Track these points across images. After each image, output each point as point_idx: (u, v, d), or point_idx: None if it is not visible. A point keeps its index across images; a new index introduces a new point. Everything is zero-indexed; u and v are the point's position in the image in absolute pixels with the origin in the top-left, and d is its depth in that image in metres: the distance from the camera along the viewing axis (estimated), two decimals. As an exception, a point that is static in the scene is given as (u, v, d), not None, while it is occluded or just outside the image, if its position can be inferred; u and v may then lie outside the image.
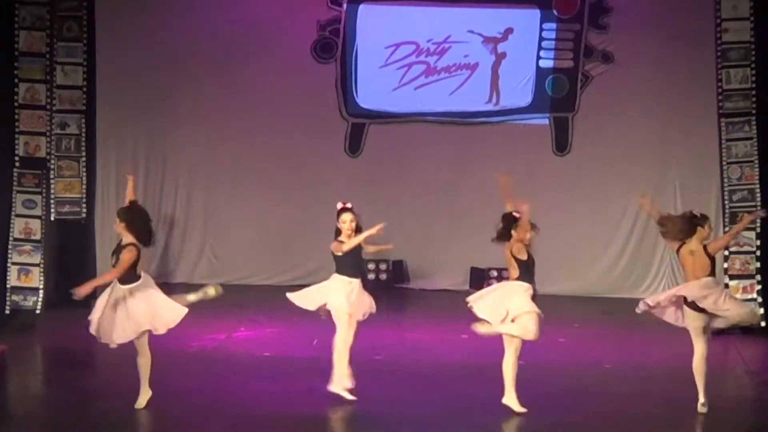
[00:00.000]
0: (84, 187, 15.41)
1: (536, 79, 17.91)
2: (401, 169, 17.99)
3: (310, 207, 17.70)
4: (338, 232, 10.89)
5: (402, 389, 11.43)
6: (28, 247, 14.68)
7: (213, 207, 18.14)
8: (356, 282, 10.91)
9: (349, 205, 10.94)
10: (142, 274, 10.40)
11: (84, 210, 15.44)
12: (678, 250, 10.73)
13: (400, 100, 18.12)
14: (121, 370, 11.73)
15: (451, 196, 17.99)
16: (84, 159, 15.39)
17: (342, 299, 10.80)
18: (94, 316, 10.48)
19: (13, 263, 14.64)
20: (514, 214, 10.59)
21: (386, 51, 18.06)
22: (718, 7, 14.99)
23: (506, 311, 10.40)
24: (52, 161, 15.08)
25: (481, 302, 10.58)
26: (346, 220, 10.83)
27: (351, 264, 10.90)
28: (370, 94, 18.14)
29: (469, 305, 10.59)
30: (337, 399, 10.76)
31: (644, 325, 15.07)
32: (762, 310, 14.74)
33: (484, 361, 11.38)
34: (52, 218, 15.13)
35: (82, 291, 10.09)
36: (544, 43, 17.87)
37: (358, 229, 10.84)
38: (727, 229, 15.13)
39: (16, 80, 14.72)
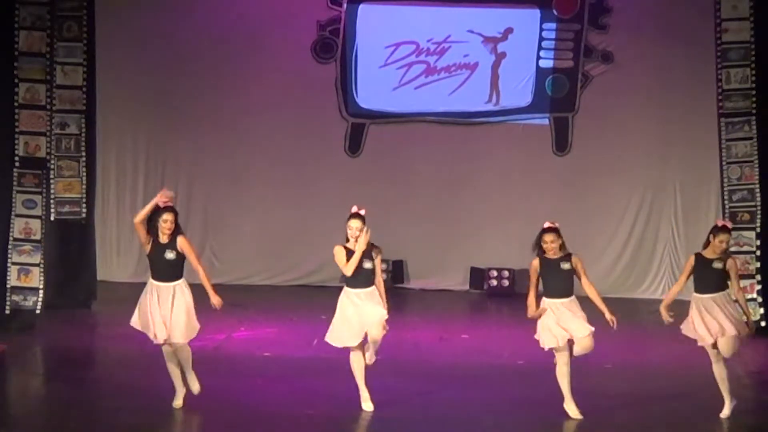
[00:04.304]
0: (84, 187, 15.39)
1: (536, 79, 17.90)
2: (401, 169, 17.98)
3: (310, 207, 17.69)
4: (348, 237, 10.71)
5: (401, 389, 11.43)
6: (28, 247, 14.66)
7: (213, 207, 18.14)
8: (361, 292, 10.75)
9: (361, 212, 10.66)
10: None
11: (84, 210, 15.42)
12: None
13: (400, 100, 18.11)
14: (122, 370, 11.75)
15: (451, 196, 17.98)
16: (84, 159, 15.37)
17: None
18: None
19: (13, 263, 14.62)
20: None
21: (386, 51, 18.06)
22: (718, 7, 14.97)
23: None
24: (52, 161, 15.06)
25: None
26: (353, 227, 10.59)
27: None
28: (370, 94, 18.13)
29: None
30: (337, 399, 10.74)
31: (644, 325, 15.08)
32: (762, 310, 14.74)
33: (483, 361, 11.39)
34: (52, 218, 15.11)
35: None
36: (544, 43, 17.86)
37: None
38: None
39: (16, 80, 14.69)
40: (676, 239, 17.54)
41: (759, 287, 14.81)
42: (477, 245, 17.75)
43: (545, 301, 10.62)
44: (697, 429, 10.52)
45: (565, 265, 10.60)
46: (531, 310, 10.63)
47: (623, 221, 17.81)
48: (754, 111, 14.92)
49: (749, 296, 14.69)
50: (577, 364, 11.28)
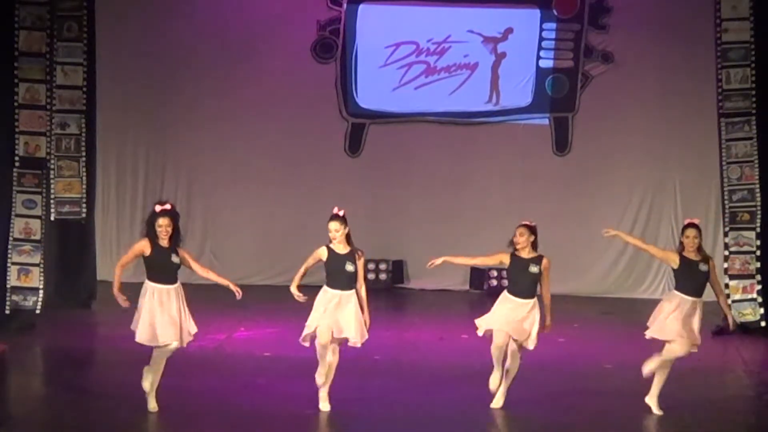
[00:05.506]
0: (84, 187, 15.39)
1: (536, 79, 17.92)
2: (401, 169, 17.99)
3: (310, 207, 17.66)
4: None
5: (401, 389, 11.43)
6: (28, 247, 14.66)
7: (213, 207, 18.15)
8: (339, 295, 10.47)
9: (340, 213, 10.53)
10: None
11: (84, 210, 15.42)
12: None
13: (400, 100, 18.12)
14: (122, 371, 11.73)
15: (451, 196, 17.99)
16: (84, 159, 15.38)
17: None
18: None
19: (13, 263, 14.62)
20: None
21: (386, 51, 18.07)
22: (718, 7, 14.99)
23: None
24: (52, 161, 15.07)
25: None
26: (331, 229, 10.47)
27: (333, 273, 10.51)
28: (370, 94, 18.14)
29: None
30: (337, 399, 10.72)
31: (644, 325, 15.07)
32: (762, 310, 14.74)
33: (484, 361, 11.37)
34: (52, 218, 15.11)
35: None
36: (544, 43, 17.87)
37: (348, 239, 10.48)
38: (726, 229, 15.14)
39: (16, 80, 14.69)
40: (676, 239, 17.47)
41: (759, 287, 14.81)
42: (477, 245, 17.69)
43: (505, 295, 10.69)
44: (697, 428, 10.52)
45: (534, 269, 10.63)
46: (448, 258, 11.19)
47: (623, 221, 17.80)
48: (754, 111, 14.94)
49: (749, 296, 14.70)
50: (576, 363, 11.31)
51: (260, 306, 15.65)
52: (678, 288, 10.66)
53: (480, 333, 10.71)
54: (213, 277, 10.51)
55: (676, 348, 10.56)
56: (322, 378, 10.51)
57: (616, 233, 11.29)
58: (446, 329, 14.79)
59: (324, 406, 10.52)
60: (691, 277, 10.59)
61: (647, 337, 10.76)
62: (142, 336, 10.32)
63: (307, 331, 10.51)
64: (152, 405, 10.39)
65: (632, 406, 10.88)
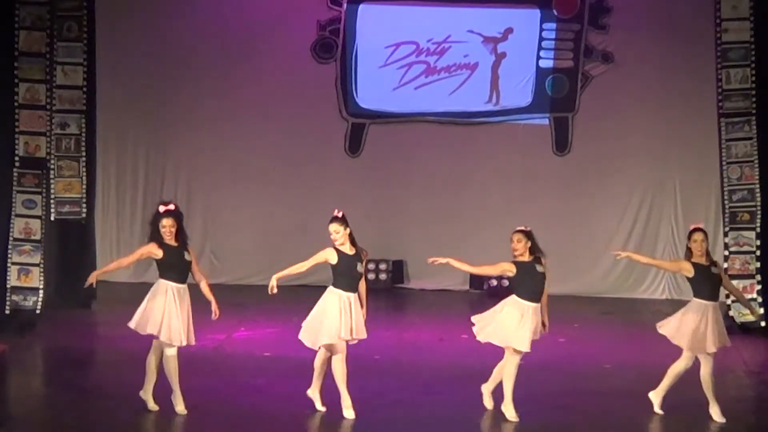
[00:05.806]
0: (84, 187, 15.40)
1: (536, 79, 17.92)
2: (401, 169, 17.99)
3: (309, 207, 17.69)
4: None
5: (401, 389, 11.44)
6: (28, 247, 14.67)
7: (213, 207, 18.15)
8: (352, 297, 10.36)
9: (339, 215, 10.45)
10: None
11: (84, 210, 15.43)
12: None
13: (400, 100, 18.13)
14: (122, 370, 11.74)
15: (451, 196, 17.99)
16: (84, 159, 15.38)
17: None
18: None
19: (13, 263, 14.63)
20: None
21: (386, 51, 18.07)
22: (718, 7, 15.00)
23: None
24: (52, 161, 15.07)
25: None
26: (331, 232, 10.38)
27: (345, 275, 10.40)
28: (370, 94, 18.14)
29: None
30: (337, 399, 10.73)
31: (644, 325, 15.08)
32: (762, 310, 14.74)
33: (483, 361, 11.38)
34: (52, 218, 15.12)
35: None
36: (544, 43, 17.88)
37: (352, 240, 10.42)
38: (726, 229, 15.14)
39: (16, 80, 14.70)
40: (676, 239, 17.54)
41: (759, 287, 14.81)
42: (477, 245, 17.74)
43: (518, 301, 10.48)
44: (697, 428, 10.52)
45: (540, 268, 10.56)
46: (452, 261, 10.96)
47: (623, 221, 17.82)
48: (754, 111, 14.94)
49: (749, 296, 14.71)
50: (576, 363, 11.29)
51: (260, 306, 15.66)
52: (698, 296, 10.58)
53: (511, 352, 10.55)
54: (203, 288, 10.48)
55: (711, 359, 10.59)
56: (317, 390, 10.55)
57: (627, 255, 11.22)
58: (446, 329, 14.79)
59: (320, 406, 10.57)
60: (708, 283, 10.55)
61: (683, 348, 10.62)
62: (165, 334, 10.24)
63: (326, 340, 10.36)
64: (152, 405, 10.40)
65: (632, 406, 10.88)
